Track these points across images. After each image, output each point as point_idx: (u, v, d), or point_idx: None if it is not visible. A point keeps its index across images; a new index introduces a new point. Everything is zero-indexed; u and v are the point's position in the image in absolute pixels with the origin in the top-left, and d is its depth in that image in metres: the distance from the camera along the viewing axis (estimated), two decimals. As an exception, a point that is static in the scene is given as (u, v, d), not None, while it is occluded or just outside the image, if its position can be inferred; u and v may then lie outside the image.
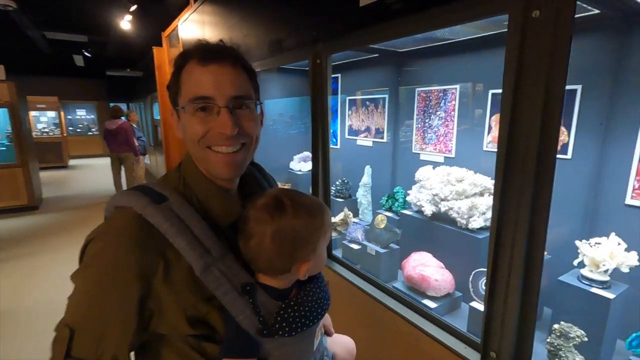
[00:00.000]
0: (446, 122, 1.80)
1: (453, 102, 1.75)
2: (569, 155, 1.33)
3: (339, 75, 2.47)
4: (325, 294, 0.75)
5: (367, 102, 2.27)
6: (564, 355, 1.01)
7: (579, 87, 1.29)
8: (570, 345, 1.01)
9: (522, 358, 1.01)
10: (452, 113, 1.76)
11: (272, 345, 0.65)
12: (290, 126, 3.00)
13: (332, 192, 2.32)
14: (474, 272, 1.35)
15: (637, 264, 1.08)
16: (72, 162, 11.09)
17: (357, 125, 2.39)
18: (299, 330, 0.66)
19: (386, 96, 2.13)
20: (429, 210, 1.61)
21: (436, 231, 1.61)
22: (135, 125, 6.09)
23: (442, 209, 1.55)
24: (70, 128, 12.46)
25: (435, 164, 1.82)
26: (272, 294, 0.67)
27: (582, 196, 1.31)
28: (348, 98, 2.45)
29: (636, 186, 1.18)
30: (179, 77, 0.66)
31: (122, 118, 5.68)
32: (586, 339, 1.02)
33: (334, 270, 1.77)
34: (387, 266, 1.67)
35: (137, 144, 5.79)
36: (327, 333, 0.93)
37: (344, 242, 1.91)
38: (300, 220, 0.66)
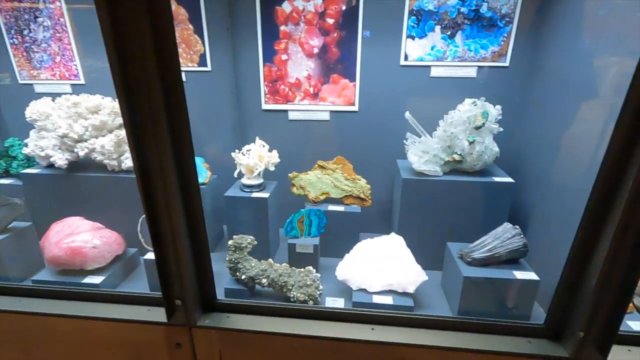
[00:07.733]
0: (57, 34, 1.27)
1: None
2: (209, 67, 1.25)
3: None
4: None
5: None
6: (241, 266, 1.01)
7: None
8: (245, 254, 1.02)
9: (208, 297, 0.93)
10: (61, 19, 1.25)
11: None
12: None
13: None
14: (141, 218, 1.11)
15: (279, 160, 1.20)
16: None
17: None
18: None
19: None
20: (61, 159, 1.14)
21: (81, 184, 1.19)
22: None
23: (81, 153, 1.14)
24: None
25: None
26: None
27: (226, 108, 1.31)
28: None
29: (266, 91, 1.28)
30: None
31: None
32: (256, 242, 1.06)
33: None
34: (17, 255, 1.12)
35: None
36: None
37: None
38: None
